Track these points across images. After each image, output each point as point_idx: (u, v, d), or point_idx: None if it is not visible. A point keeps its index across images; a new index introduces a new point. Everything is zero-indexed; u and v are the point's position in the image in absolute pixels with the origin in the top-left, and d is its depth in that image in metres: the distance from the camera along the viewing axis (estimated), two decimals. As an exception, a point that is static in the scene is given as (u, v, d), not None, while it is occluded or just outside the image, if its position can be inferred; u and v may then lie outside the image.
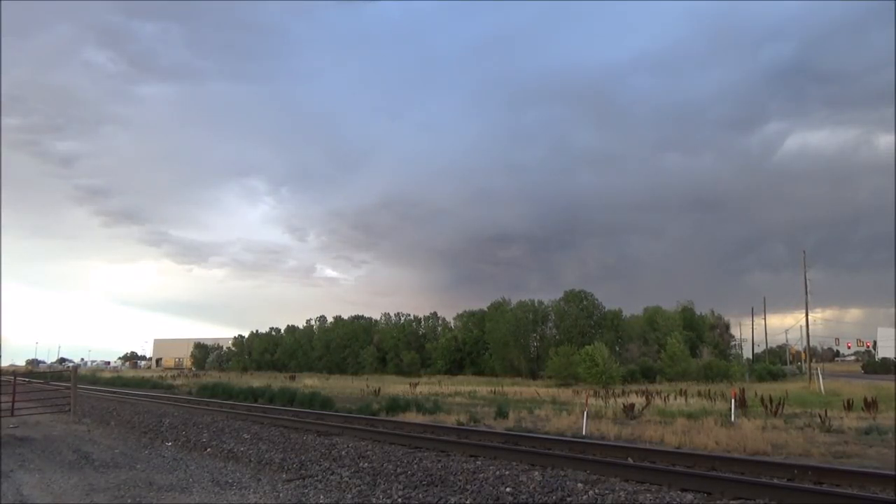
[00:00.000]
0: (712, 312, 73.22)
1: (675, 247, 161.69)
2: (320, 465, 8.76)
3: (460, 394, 32.47)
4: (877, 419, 17.19)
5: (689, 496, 6.47)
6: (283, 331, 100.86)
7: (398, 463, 8.76)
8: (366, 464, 8.83)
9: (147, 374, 72.30)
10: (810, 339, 53.82)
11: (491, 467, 8.15)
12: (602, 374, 44.02)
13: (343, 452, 9.85)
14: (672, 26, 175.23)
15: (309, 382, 47.14)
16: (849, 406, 20.39)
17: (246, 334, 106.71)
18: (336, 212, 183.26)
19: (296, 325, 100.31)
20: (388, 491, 7.04)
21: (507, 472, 7.81)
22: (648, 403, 21.25)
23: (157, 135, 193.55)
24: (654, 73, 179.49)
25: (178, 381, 48.18)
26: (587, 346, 47.89)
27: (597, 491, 6.76)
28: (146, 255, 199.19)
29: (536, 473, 7.66)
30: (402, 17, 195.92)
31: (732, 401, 18.77)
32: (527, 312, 65.29)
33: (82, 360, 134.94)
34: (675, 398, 26.71)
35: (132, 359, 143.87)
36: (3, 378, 34.02)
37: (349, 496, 6.93)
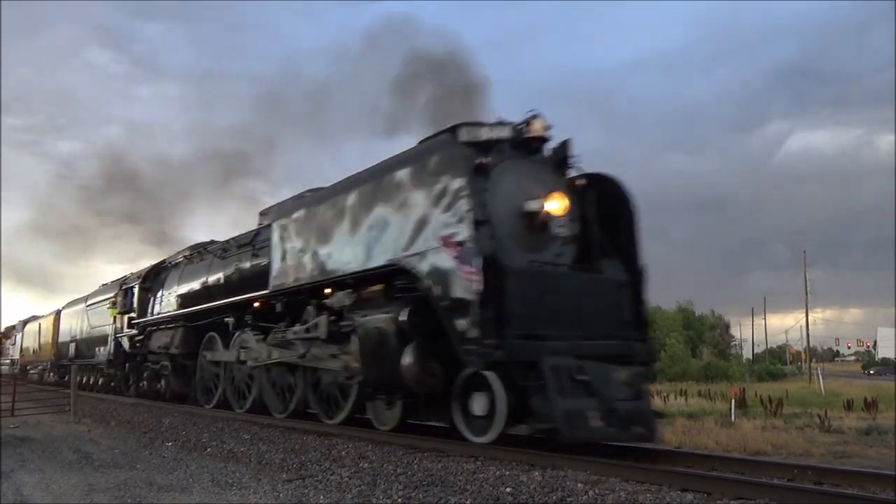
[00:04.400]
0: (712, 312, 73.36)
1: (676, 247, 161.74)
2: (320, 466, 8.76)
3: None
4: (877, 419, 17.19)
5: (689, 496, 6.47)
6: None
7: (398, 463, 8.76)
8: (366, 464, 8.83)
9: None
10: (810, 339, 53.82)
11: (491, 467, 8.15)
12: (602, 374, 43.78)
13: (343, 453, 9.85)
14: (675, 28, 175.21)
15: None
16: (849, 406, 20.39)
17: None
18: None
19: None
20: (388, 491, 7.04)
21: (507, 473, 7.81)
22: (648, 403, 21.16)
23: (158, 135, 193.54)
24: (657, 74, 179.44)
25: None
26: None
27: (597, 491, 6.76)
28: (147, 256, 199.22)
29: (537, 473, 7.66)
30: (402, 18, 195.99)
31: (732, 401, 18.77)
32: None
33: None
34: (675, 398, 26.71)
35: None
36: (4, 378, 33.94)
37: (349, 496, 6.93)
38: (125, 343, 21.59)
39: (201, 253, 17.53)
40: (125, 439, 12.35)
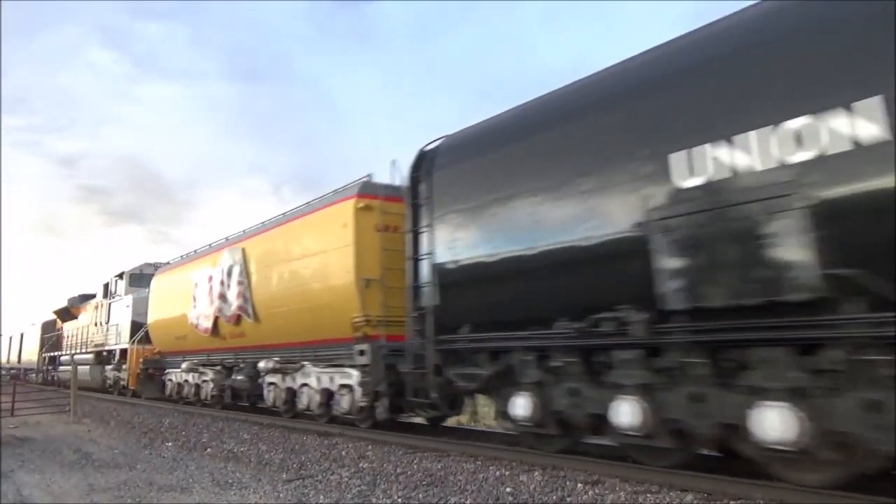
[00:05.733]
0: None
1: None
2: (320, 466, 8.77)
3: (460, 394, 32.27)
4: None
5: (690, 496, 6.47)
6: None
7: (398, 463, 8.77)
8: (366, 464, 8.84)
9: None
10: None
11: (491, 467, 8.16)
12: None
13: (343, 453, 9.87)
14: (677, 27, 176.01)
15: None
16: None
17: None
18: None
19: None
20: (388, 491, 7.05)
21: (507, 472, 7.82)
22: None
23: (159, 135, 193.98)
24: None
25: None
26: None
27: (597, 491, 6.76)
28: (147, 255, 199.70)
29: (537, 473, 7.67)
30: (404, 18, 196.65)
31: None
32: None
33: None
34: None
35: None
36: (4, 379, 33.95)
37: (349, 496, 6.93)
38: None
39: None
40: (125, 439, 12.36)
